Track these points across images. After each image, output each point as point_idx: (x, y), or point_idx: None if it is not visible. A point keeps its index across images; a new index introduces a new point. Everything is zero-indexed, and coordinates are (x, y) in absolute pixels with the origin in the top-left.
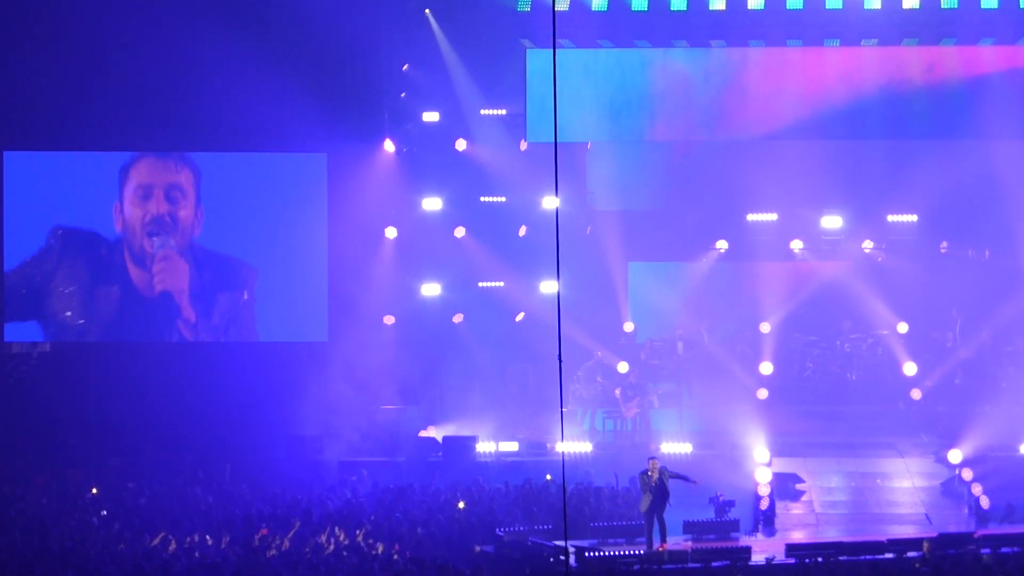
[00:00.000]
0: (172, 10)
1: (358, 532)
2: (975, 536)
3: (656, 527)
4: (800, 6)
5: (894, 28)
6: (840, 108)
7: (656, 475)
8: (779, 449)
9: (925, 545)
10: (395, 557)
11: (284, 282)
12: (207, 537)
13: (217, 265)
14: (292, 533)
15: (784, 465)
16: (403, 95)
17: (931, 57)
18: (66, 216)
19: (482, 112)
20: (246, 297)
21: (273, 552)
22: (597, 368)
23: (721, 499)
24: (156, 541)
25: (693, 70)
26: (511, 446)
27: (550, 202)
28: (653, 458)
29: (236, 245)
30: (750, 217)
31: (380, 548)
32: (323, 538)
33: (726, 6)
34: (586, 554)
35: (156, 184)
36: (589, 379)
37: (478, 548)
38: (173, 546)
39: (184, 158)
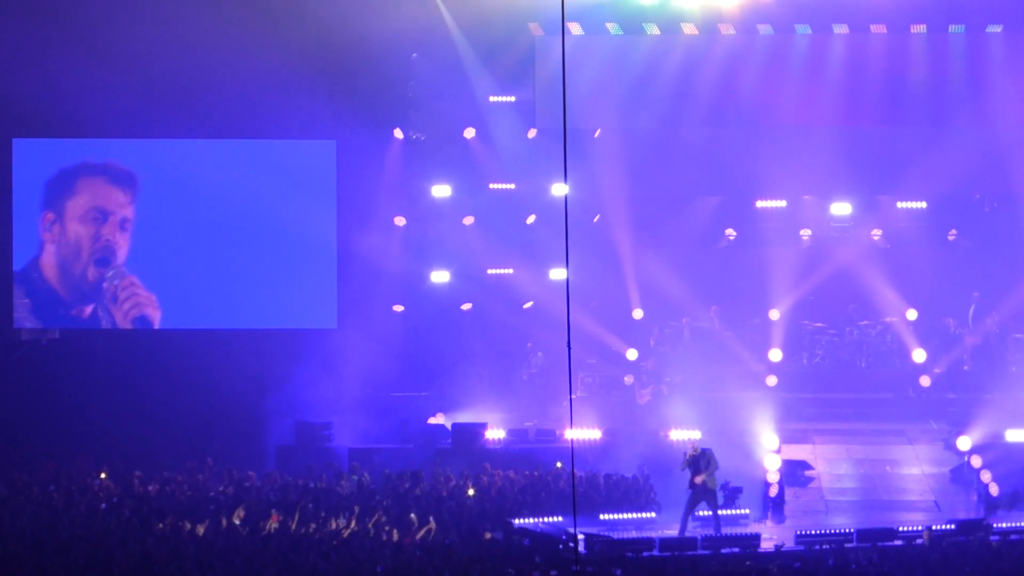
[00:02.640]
0: None
1: (369, 519)
2: (985, 524)
3: (691, 515)
4: None
5: (902, 14)
6: (847, 94)
7: (692, 453)
8: (788, 436)
9: (925, 534)
10: (405, 543)
11: (293, 269)
12: (218, 523)
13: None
14: (297, 517)
15: (793, 452)
16: (412, 83)
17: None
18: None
19: (491, 99)
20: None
21: (284, 538)
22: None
23: (730, 486)
24: (165, 527)
25: (699, 56)
26: (520, 433)
27: (559, 189)
28: (692, 440)
29: (244, 232)
30: (759, 204)
31: (396, 534)
32: (333, 524)
33: None
34: (595, 541)
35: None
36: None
37: (488, 535)
38: (185, 530)
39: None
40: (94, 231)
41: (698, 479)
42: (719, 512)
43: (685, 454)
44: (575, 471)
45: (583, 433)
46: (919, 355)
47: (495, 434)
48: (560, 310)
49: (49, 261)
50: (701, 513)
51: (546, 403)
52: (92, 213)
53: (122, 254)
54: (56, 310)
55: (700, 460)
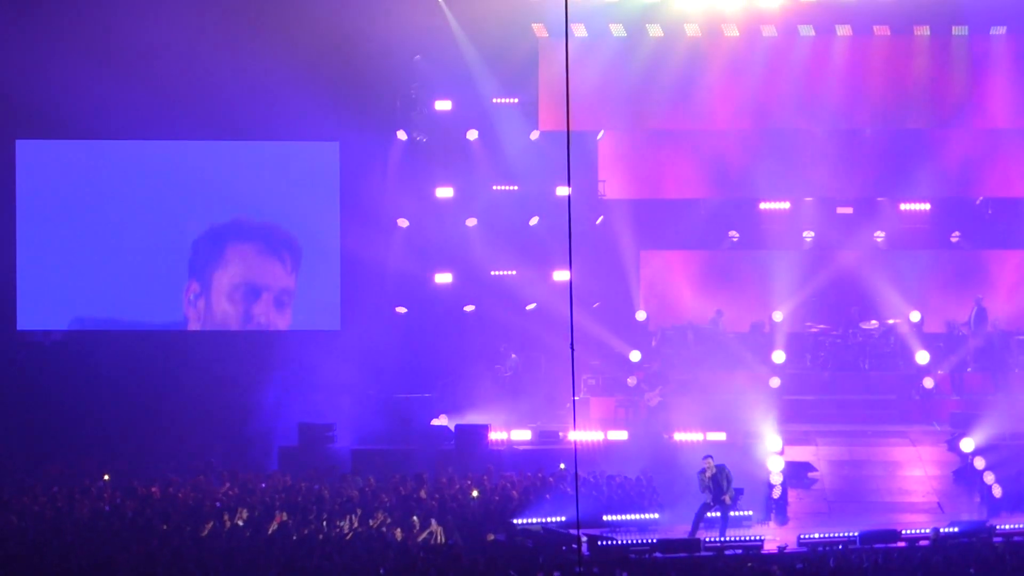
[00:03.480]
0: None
1: (372, 520)
2: (987, 525)
3: (703, 518)
4: None
5: (905, 15)
6: (850, 96)
7: (711, 473)
8: (791, 438)
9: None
10: (408, 544)
11: (296, 270)
12: (221, 525)
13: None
14: (300, 518)
15: (796, 454)
16: (415, 85)
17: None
18: (79, 206)
19: (494, 101)
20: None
21: (287, 540)
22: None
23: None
24: (169, 529)
25: (702, 57)
26: (524, 435)
27: (562, 191)
28: (708, 456)
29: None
30: (762, 206)
31: (399, 535)
32: (337, 526)
33: None
34: (599, 542)
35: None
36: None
37: (491, 536)
38: (188, 531)
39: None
40: (243, 310)
41: (727, 499)
42: (729, 514)
43: (703, 473)
44: (578, 472)
45: (586, 435)
46: (922, 357)
47: (500, 435)
48: (563, 311)
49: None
50: (710, 515)
51: (549, 405)
52: (242, 289)
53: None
54: None
55: (720, 478)
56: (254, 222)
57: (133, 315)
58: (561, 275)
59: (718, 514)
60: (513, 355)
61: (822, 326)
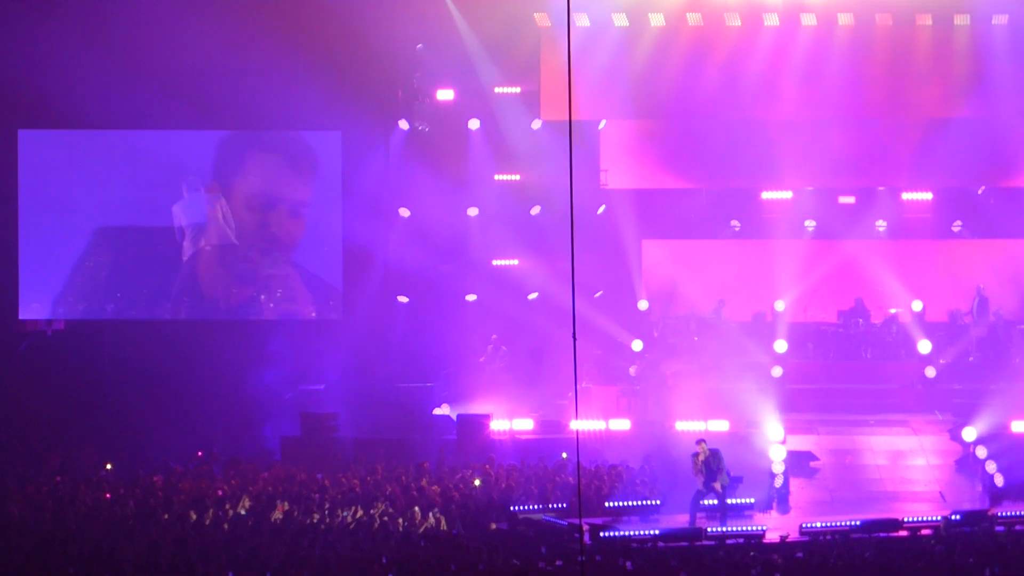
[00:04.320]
0: None
1: (373, 509)
2: (989, 514)
3: (699, 506)
4: None
5: (907, 4)
6: (852, 85)
7: (703, 456)
8: (793, 427)
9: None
10: (411, 534)
11: (298, 260)
12: (223, 514)
13: None
14: (302, 507)
15: (798, 443)
16: (417, 74)
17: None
18: (81, 196)
19: (496, 90)
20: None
21: (289, 529)
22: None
23: (731, 476)
24: (171, 518)
25: (705, 46)
26: (526, 424)
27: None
28: (701, 440)
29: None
30: (764, 195)
31: (401, 525)
32: (339, 515)
33: None
34: (600, 532)
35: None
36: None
37: (493, 526)
38: (190, 520)
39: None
40: (259, 219)
41: (717, 486)
42: (727, 501)
43: (696, 456)
44: (580, 462)
45: (588, 424)
46: (924, 346)
47: (502, 425)
48: (565, 301)
49: (209, 244)
50: (706, 502)
51: (552, 394)
52: (259, 199)
53: (292, 243)
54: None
55: (712, 463)
56: (273, 133)
57: (132, 308)
58: (563, 265)
59: (715, 501)
60: (504, 348)
61: (824, 315)
